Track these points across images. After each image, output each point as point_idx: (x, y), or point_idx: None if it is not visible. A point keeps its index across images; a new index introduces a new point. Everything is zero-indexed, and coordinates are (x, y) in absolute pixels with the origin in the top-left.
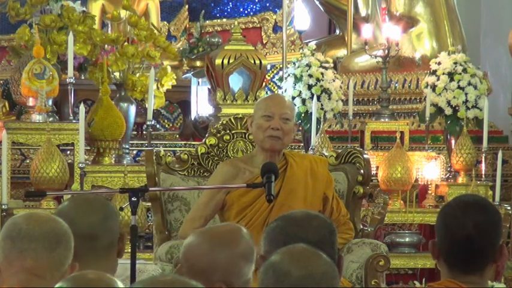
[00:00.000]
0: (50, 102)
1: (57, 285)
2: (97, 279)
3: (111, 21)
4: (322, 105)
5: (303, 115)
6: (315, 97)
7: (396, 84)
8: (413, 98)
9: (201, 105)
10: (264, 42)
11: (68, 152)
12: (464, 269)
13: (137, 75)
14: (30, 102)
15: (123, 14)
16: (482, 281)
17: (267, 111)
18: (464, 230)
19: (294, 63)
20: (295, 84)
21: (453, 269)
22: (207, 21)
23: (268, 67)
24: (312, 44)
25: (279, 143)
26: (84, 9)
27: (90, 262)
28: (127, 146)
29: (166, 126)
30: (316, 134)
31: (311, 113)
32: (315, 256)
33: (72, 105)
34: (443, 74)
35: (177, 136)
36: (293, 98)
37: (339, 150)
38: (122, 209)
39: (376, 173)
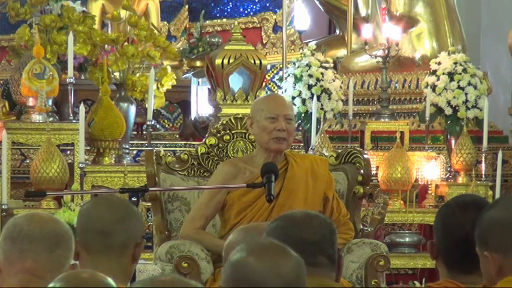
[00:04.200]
0: (50, 102)
1: (50, 285)
2: (90, 278)
3: (111, 21)
4: (322, 105)
5: (303, 115)
6: (315, 97)
7: (396, 84)
8: (413, 98)
9: (201, 105)
10: (264, 42)
11: (68, 152)
12: (463, 269)
13: (137, 75)
14: (30, 102)
15: (123, 14)
16: (481, 280)
17: (271, 113)
18: (463, 230)
19: (294, 63)
20: (295, 84)
21: (452, 269)
22: (207, 21)
23: (268, 67)
24: (312, 44)
25: (285, 144)
26: (84, 9)
27: (101, 260)
28: (127, 146)
29: (166, 126)
30: (316, 134)
31: (311, 113)
32: (281, 252)
33: (72, 105)
34: (443, 74)
35: (177, 136)
36: (293, 98)
37: (339, 150)
38: None
39: (376, 173)
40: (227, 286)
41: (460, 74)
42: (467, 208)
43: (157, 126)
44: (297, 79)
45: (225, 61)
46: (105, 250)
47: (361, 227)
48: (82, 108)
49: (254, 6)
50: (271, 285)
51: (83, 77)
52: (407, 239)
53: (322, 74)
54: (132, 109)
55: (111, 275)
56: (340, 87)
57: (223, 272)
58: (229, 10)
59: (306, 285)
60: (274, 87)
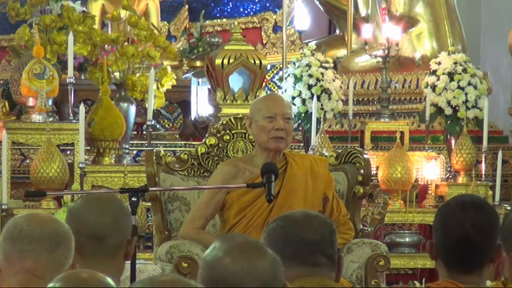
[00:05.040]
0: (50, 102)
1: (49, 285)
2: (89, 278)
3: (111, 21)
4: (322, 105)
5: (303, 115)
6: (315, 97)
7: (396, 84)
8: (413, 98)
9: (201, 105)
10: (264, 42)
11: (68, 152)
12: (462, 269)
13: (137, 75)
14: (30, 102)
15: (123, 14)
16: (481, 280)
17: (269, 112)
18: (462, 230)
19: (294, 63)
20: (295, 84)
21: (451, 269)
22: (207, 21)
23: (268, 67)
24: (312, 44)
25: (283, 143)
26: (84, 9)
27: (96, 262)
28: (127, 146)
29: (166, 126)
30: (316, 134)
31: (311, 113)
32: (257, 251)
33: (72, 105)
34: (443, 74)
35: (177, 136)
36: (293, 98)
37: (339, 150)
38: None
39: (376, 173)
40: (203, 286)
41: (460, 74)
42: (466, 208)
43: (157, 126)
44: (297, 79)
45: (225, 61)
46: (99, 254)
47: (361, 227)
48: (82, 108)
49: (254, 6)
50: (249, 286)
51: (83, 77)
52: (407, 239)
53: (322, 74)
54: (132, 109)
55: (104, 274)
56: (340, 87)
57: (199, 272)
58: (229, 10)
59: (282, 283)
60: (274, 87)
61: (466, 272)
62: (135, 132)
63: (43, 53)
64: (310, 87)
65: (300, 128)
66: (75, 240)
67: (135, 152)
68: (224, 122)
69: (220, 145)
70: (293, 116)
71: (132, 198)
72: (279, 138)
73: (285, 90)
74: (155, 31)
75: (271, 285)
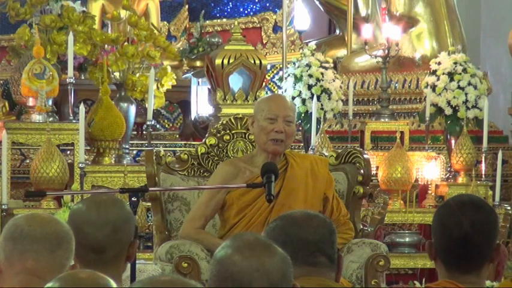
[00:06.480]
0: (50, 102)
1: (48, 285)
2: (88, 278)
3: (111, 21)
4: (322, 105)
5: (303, 115)
6: (315, 97)
7: (396, 84)
8: (413, 98)
9: (201, 105)
10: (264, 42)
11: (68, 152)
12: (461, 269)
13: (137, 75)
14: (30, 102)
15: (123, 14)
16: (480, 280)
17: (271, 114)
18: (461, 229)
19: (294, 63)
20: (295, 84)
21: (450, 269)
22: (207, 21)
23: (268, 67)
24: (312, 44)
25: (282, 146)
26: (84, 9)
27: (97, 269)
28: (127, 146)
29: (166, 126)
30: (316, 134)
31: (311, 113)
32: (267, 249)
33: (72, 105)
34: (443, 74)
35: (177, 136)
36: (293, 98)
37: (339, 150)
38: None
39: (376, 173)
40: (213, 283)
41: (460, 74)
42: (465, 208)
43: (157, 126)
44: (297, 79)
45: (225, 61)
46: (99, 264)
47: (361, 227)
48: (82, 108)
49: (254, 6)
50: (256, 284)
51: (83, 77)
52: (407, 239)
53: (322, 74)
54: (132, 109)
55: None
56: (340, 87)
57: (209, 268)
58: (229, 10)
59: (291, 283)
60: (274, 87)
61: (465, 272)
62: (135, 132)
63: (43, 53)
64: (310, 87)
65: (300, 128)
66: (74, 249)
67: (135, 152)
68: (224, 122)
69: (220, 145)
70: (295, 117)
71: (132, 198)
72: (278, 141)
73: (285, 90)
74: (155, 31)
75: (279, 284)
